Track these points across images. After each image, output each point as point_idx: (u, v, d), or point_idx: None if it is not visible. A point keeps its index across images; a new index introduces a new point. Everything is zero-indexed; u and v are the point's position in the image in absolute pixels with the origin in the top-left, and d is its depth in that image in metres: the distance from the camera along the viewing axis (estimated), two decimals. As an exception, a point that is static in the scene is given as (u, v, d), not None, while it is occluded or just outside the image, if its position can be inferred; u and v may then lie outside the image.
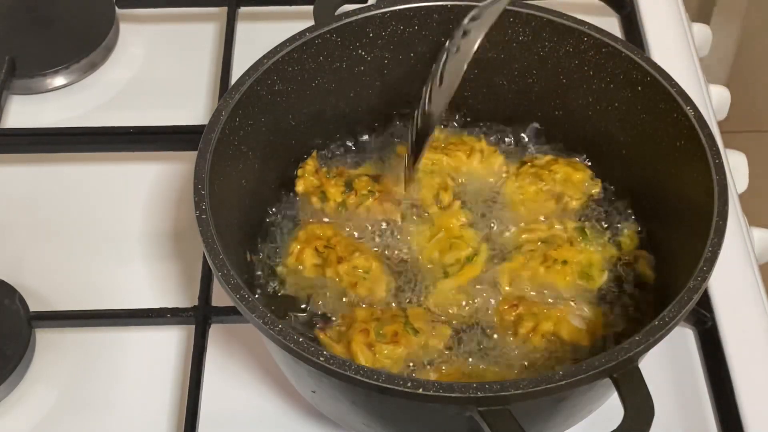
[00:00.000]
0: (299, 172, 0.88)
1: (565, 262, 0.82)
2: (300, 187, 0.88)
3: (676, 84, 0.80)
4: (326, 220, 0.86)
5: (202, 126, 0.78)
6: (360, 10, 0.86)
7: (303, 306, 0.81)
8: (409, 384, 0.63)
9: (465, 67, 0.74)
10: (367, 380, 0.64)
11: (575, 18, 0.85)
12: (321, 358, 0.65)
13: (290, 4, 1.17)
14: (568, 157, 0.90)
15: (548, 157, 0.89)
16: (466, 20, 0.77)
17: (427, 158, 0.89)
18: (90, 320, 0.90)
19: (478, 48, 0.74)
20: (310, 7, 0.87)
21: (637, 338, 0.65)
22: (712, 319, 0.88)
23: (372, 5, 0.87)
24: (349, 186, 0.87)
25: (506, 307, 0.80)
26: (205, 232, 0.71)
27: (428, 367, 0.77)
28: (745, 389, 0.84)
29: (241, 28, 1.14)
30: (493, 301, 0.81)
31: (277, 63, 0.82)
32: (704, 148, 0.76)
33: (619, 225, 0.86)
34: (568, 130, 0.90)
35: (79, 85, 1.11)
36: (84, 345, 0.89)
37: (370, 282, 0.81)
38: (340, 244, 0.83)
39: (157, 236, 0.97)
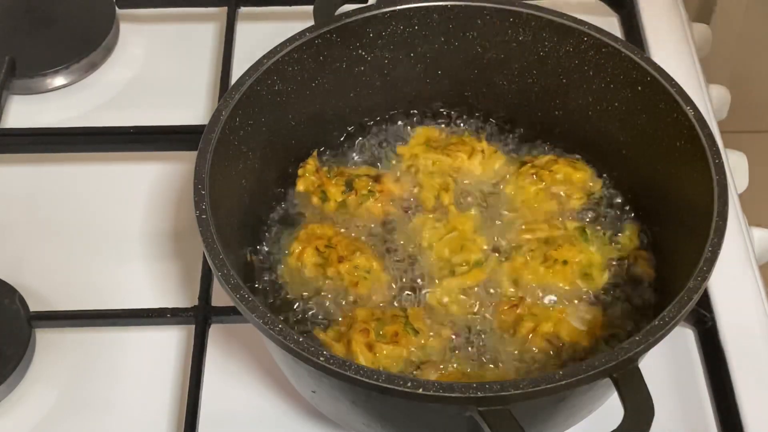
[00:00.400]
0: (300, 171, 0.88)
1: (565, 262, 0.82)
2: (300, 186, 0.88)
3: (676, 84, 0.80)
4: (326, 219, 0.86)
5: (202, 126, 0.78)
6: (360, 10, 0.86)
7: (303, 306, 0.81)
8: (409, 384, 0.63)
9: None
10: (367, 380, 0.64)
11: (575, 18, 0.85)
12: (321, 358, 0.65)
13: (290, 4, 1.17)
14: (568, 157, 0.90)
15: (549, 157, 0.89)
16: None
17: (428, 158, 0.89)
18: (90, 320, 0.90)
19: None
20: (310, 7, 0.87)
21: (637, 338, 0.65)
22: (712, 319, 0.88)
23: (372, 5, 0.87)
24: (349, 186, 0.87)
25: (506, 308, 0.80)
26: (205, 232, 0.71)
27: (428, 367, 0.77)
28: (745, 389, 0.84)
29: (241, 28, 1.14)
30: (493, 301, 0.81)
31: (277, 63, 0.82)
32: (704, 148, 0.76)
33: (619, 225, 0.86)
34: (568, 130, 0.90)
35: (79, 85, 1.11)
36: (84, 345, 0.89)
37: (371, 281, 0.81)
38: (341, 243, 0.83)
39: (157, 236, 0.97)
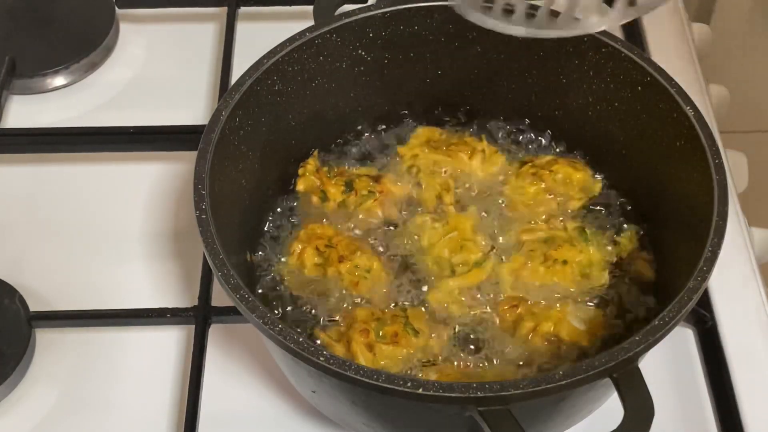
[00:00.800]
0: (300, 171, 0.88)
1: (565, 262, 0.82)
2: (301, 186, 0.88)
3: (676, 84, 0.80)
4: (326, 219, 0.86)
5: (202, 126, 0.78)
6: (360, 10, 0.86)
7: (303, 305, 0.81)
8: (409, 384, 0.63)
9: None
10: (367, 380, 0.64)
11: (575, 18, 0.85)
12: (321, 358, 0.65)
13: (290, 4, 1.17)
14: (568, 157, 0.90)
15: (549, 157, 0.89)
16: None
17: (429, 158, 0.89)
18: (90, 320, 0.90)
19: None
20: (310, 7, 0.87)
21: (637, 338, 0.65)
22: (712, 319, 0.88)
23: (372, 5, 0.87)
24: (349, 186, 0.87)
25: (506, 307, 0.80)
26: (205, 232, 0.71)
27: (428, 367, 0.77)
28: (745, 389, 0.84)
29: (241, 28, 1.14)
30: (493, 301, 0.81)
31: (277, 63, 0.82)
32: (704, 148, 0.76)
33: (619, 225, 0.86)
34: (568, 130, 0.90)
35: (79, 85, 1.11)
36: (84, 345, 0.89)
37: (371, 281, 0.81)
38: (341, 243, 0.83)
39: (157, 236, 0.97)
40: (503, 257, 0.84)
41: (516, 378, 0.66)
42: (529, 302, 0.80)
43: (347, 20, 0.85)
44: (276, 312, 0.81)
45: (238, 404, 0.85)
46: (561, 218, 0.86)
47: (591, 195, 0.88)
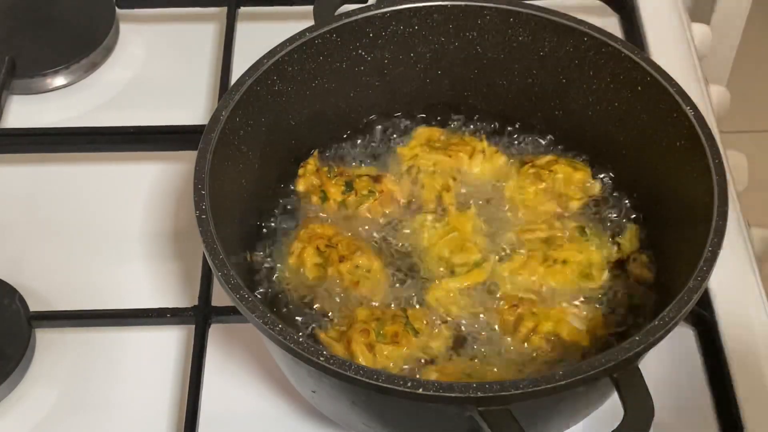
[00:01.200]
0: (300, 171, 0.88)
1: (565, 262, 0.82)
2: (301, 186, 0.88)
3: (676, 84, 0.80)
4: (327, 219, 0.86)
5: (202, 126, 0.78)
6: (360, 10, 0.86)
7: (303, 305, 0.81)
8: (409, 384, 0.63)
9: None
10: (367, 380, 0.64)
11: (575, 18, 0.85)
12: (321, 358, 0.65)
13: (290, 4, 1.17)
14: (568, 157, 0.90)
15: (549, 157, 0.89)
16: None
17: (429, 159, 0.89)
18: (90, 320, 0.90)
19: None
20: (310, 7, 0.87)
21: (637, 338, 0.65)
22: (712, 319, 0.88)
23: (372, 5, 0.87)
24: (349, 186, 0.87)
25: (506, 307, 0.80)
26: (205, 232, 0.71)
27: (428, 367, 0.77)
28: (745, 389, 0.84)
29: (241, 28, 1.14)
30: (493, 301, 0.81)
31: (277, 63, 0.82)
32: (704, 148, 0.76)
33: (619, 225, 0.86)
34: (568, 130, 0.90)
35: (79, 85, 1.11)
36: (84, 345, 0.89)
37: (372, 281, 0.81)
38: (342, 243, 0.83)
39: (157, 236, 0.97)
40: (503, 257, 0.84)
41: (516, 378, 0.66)
42: (529, 302, 0.80)
43: (347, 20, 0.85)
44: (276, 312, 0.80)
45: (238, 404, 0.85)
46: (561, 218, 0.86)
47: (591, 195, 0.88)
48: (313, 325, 0.80)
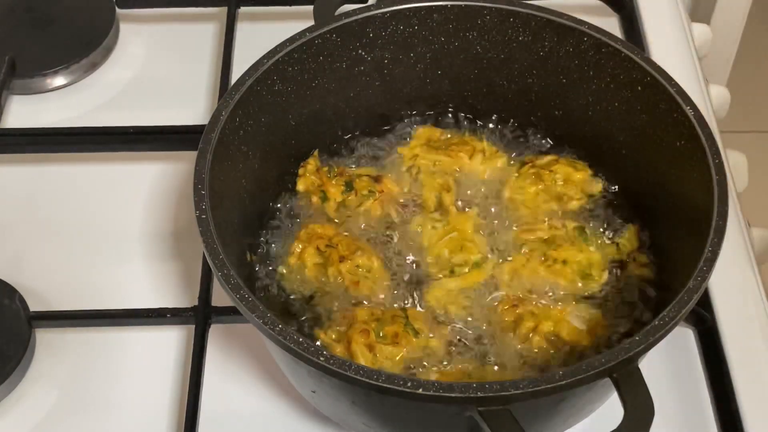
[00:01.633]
0: (300, 171, 0.88)
1: (565, 262, 0.82)
2: (301, 186, 0.88)
3: (676, 84, 0.80)
4: (327, 219, 0.86)
5: (202, 126, 0.78)
6: (360, 10, 0.86)
7: (303, 305, 0.81)
8: (409, 384, 0.63)
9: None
10: (367, 380, 0.64)
11: (575, 18, 0.85)
12: (321, 358, 0.65)
13: (290, 4, 1.17)
14: (568, 157, 0.90)
15: (549, 157, 0.89)
16: None
17: (429, 159, 0.89)
18: (90, 320, 0.90)
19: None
20: (310, 7, 0.87)
21: (637, 338, 0.65)
22: (712, 319, 0.88)
23: (372, 5, 0.87)
24: (349, 186, 0.87)
25: (506, 307, 0.80)
26: (205, 232, 0.71)
27: (428, 367, 0.77)
28: (745, 389, 0.84)
29: (241, 28, 1.14)
30: (493, 301, 0.81)
31: (277, 63, 0.82)
32: (704, 148, 0.76)
33: (619, 225, 0.86)
34: (568, 130, 0.90)
35: (79, 85, 1.11)
36: (84, 345, 0.89)
37: (372, 281, 0.81)
38: (342, 243, 0.83)
39: (157, 236, 0.97)
40: (503, 257, 0.84)
41: (516, 378, 0.66)
42: (529, 302, 0.80)
43: (347, 20, 0.85)
44: (276, 312, 0.80)
45: (238, 404, 0.85)
46: (561, 218, 0.86)
47: (591, 195, 0.88)
48: (314, 325, 0.80)
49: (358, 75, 0.89)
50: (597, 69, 0.85)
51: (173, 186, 1.01)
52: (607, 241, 0.85)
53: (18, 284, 0.91)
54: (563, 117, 0.90)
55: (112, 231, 0.98)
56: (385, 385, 0.63)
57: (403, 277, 0.83)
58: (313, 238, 0.83)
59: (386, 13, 0.86)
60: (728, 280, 0.90)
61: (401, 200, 0.88)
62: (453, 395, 0.63)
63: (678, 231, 0.79)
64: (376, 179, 0.88)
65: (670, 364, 0.87)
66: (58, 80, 1.10)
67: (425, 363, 0.77)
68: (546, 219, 0.86)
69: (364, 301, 0.81)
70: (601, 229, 0.86)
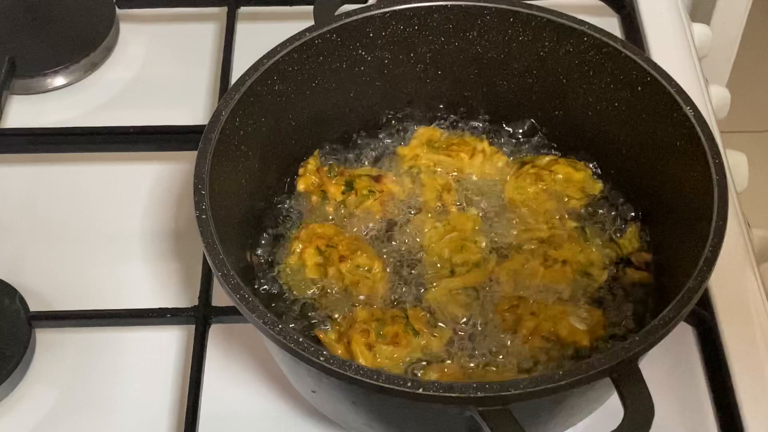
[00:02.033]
0: (300, 171, 0.88)
1: (565, 262, 0.82)
2: (301, 186, 0.88)
3: (676, 84, 0.80)
4: (327, 219, 0.86)
5: (202, 126, 0.78)
6: (360, 10, 0.86)
7: (303, 305, 0.81)
8: (409, 384, 0.63)
9: None
10: (367, 380, 0.64)
11: (575, 18, 0.85)
12: (321, 358, 0.65)
13: (290, 4, 1.17)
14: (568, 157, 0.90)
15: (549, 157, 0.89)
16: None
17: (430, 159, 0.89)
18: (90, 320, 0.90)
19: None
20: (310, 7, 0.87)
21: (637, 338, 0.65)
22: (712, 319, 0.88)
23: (372, 5, 0.87)
24: (349, 186, 0.87)
25: (506, 307, 0.80)
26: (205, 232, 0.71)
27: (428, 367, 0.77)
28: (745, 389, 0.84)
29: (241, 28, 1.14)
30: (493, 301, 0.81)
31: (277, 63, 0.82)
32: (704, 148, 0.76)
33: (619, 225, 0.86)
34: (568, 130, 0.90)
35: (79, 85, 1.11)
36: (84, 345, 0.89)
37: (372, 281, 0.81)
38: (342, 243, 0.83)
39: (157, 236, 0.97)
40: (503, 257, 0.84)
41: (516, 378, 0.66)
42: (529, 302, 0.80)
43: (347, 20, 0.85)
44: (276, 312, 0.80)
45: (238, 404, 0.85)
46: (561, 218, 0.86)
47: (591, 195, 0.88)
48: (314, 325, 0.80)
49: (358, 75, 0.89)
50: (597, 69, 0.85)
51: (173, 186, 1.01)
52: (607, 241, 0.85)
53: (18, 284, 0.91)
54: (563, 117, 0.90)
55: (112, 231, 0.98)
56: (385, 385, 0.63)
57: (403, 277, 0.83)
58: (314, 237, 0.83)
59: (386, 13, 0.86)
60: (728, 280, 0.90)
61: (401, 200, 0.88)
62: (453, 395, 0.63)
63: (678, 231, 0.79)
64: (377, 179, 0.88)
65: (670, 364, 0.87)
66: (58, 80, 1.10)
67: (425, 363, 0.77)
68: (546, 219, 0.86)
69: (364, 301, 0.81)
70: (601, 229, 0.86)
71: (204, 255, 0.76)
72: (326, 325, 0.80)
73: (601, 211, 0.87)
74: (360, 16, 0.86)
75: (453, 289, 0.81)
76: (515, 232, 0.85)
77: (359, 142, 0.92)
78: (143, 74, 1.12)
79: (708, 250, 0.70)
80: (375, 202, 0.86)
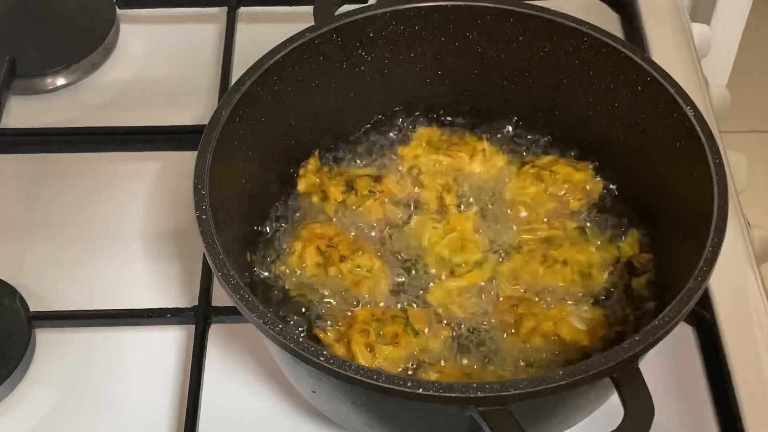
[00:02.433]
0: (301, 171, 0.88)
1: (565, 262, 0.82)
2: (301, 186, 0.88)
3: (676, 84, 0.80)
4: (327, 219, 0.86)
5: (202, 126, 0.78)
6: (360, 10, 0.86)
7: (303, 305, 0.81)
8: (409, 384, 0.63)
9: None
10: (367, 380, 0.64)
11: (575, 18, 0.85)
12: (321, 358, 0.65)
13: (290, 4, 1.17)
14: (568, 158, 0.90)
15: (549, 158, 0.89)
16: None
17: (430, 159, 0.89)
18: (90, 320, 0.90)
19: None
20: (310, 7, 0.87)
21: (637, 338, 0.65)
22: (712, 319, 0.88)
23: (372, 5, 0.87)
24: (350, 186, 0.87)
25: (507, 308, 0.80)
26: (205, 232, 0.71)
27: (428, 367, 0.77)
28: (745, 389, 0.84)
29: (241, 29, 1.14)
30: (493, 301, 0.81)
31: (277, 63, 0.82)
32: (704, 148, 0.76)
33: (619, 225, 0.86)
34: (568, 130, 0.90)
35: (80, 85, 1.11)
36: (84, 345, 0.89)
37: (372, 281, 0.81)
38: (342, 243, 0.83)
39: (157, 236, 0.97)
40: (503, 257, 0.84)
41: (516, 378, 0.66)
42: (529, 302, 0.80)
43: (347, 20, 0.85)
44: (276, 312, 0.80)
45: (238, 404, 0.85)
46: (561, 218, 0.86)
47: (591, 195, 0.88)
48: (314, 325, 0.80)
49: (358, 75, 0.89)
50: (597, 69, 0.85)
51: (173, 186, 1.01)
52: (607, 241, 0.85)
53: (18, 284, 0.91)
54: (563, 117, 0.90)
55: (112, 231, 0.98)
56: (385, 385, 0.63)
57: (404, 277, 0.83)
58: (314, 237, 0.83)
59: (386, 13, 0.86)
60: (728, 280, 0.90)
61: (401, 200, 0.88)
62: (453, 395, 0.63)
63: (678, 231, 0.79)
64: (377, 179, 0.88)
65: (670, 364, 0.87)
66: (59, 80, 1.10)
67: (425, 363, 0.77)
68: (546, 219, 0.86)
69: (365, 301, 0.81)
70: (602, 229, 0.86)
71: (204, 255, 0.76)
72: (326, 325, 0.80)
73: (601, 211, 0.87)
74: (360, 16, 0.86)
75: (453, 289, 0.81)
76: (515, 233, 0.85)
77: (359, 142, 0.92)
78: (143, 74, 1.12)
79: (708, 250, 0.70)
80: (375, 202, 0.86)
